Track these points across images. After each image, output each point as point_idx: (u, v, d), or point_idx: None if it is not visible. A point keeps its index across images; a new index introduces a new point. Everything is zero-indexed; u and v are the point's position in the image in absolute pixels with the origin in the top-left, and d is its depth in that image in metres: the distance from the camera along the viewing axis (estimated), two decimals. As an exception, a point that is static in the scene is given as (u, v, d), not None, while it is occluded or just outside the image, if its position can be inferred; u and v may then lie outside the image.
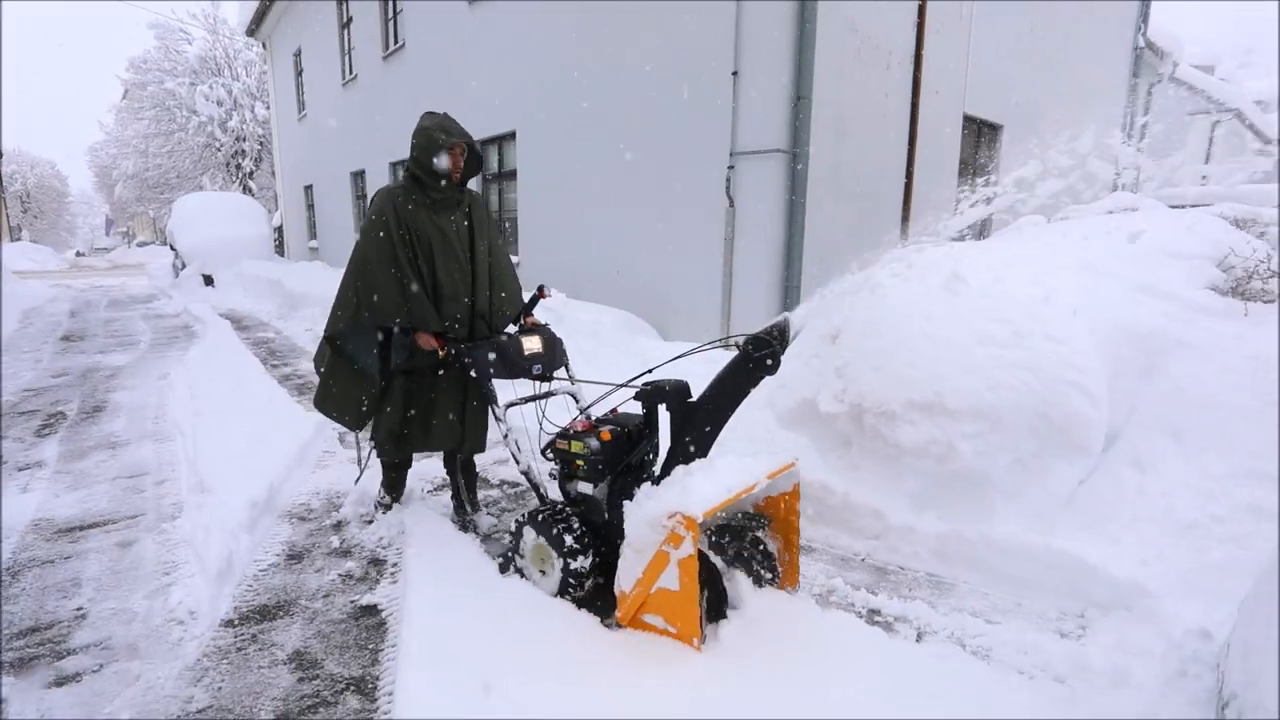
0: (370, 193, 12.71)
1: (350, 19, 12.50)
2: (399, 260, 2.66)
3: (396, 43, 10.76)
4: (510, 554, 2.54)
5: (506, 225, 8.47)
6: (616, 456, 2.36)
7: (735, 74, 5.26)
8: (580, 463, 2.36)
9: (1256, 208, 3.42)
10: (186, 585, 2.60)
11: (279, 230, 19.46)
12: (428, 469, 3.76)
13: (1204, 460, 2.61)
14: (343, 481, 3.68)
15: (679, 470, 2.17)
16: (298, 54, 15.54)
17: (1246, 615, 1.24)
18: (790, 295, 5.31)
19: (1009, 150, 8.28)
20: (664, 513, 1.97)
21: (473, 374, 2.64)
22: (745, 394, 2.24)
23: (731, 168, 5.36)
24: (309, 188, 16.32)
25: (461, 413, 2.88)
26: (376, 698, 2.01)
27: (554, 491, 2.63)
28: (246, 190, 26.27)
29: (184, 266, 14.78)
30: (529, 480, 2.63)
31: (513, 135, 8.15)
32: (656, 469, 2.38)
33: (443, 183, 2.71)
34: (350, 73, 12.77)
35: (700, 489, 2.01)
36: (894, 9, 5.87)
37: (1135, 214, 4.41)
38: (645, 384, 2.37)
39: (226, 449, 3.88)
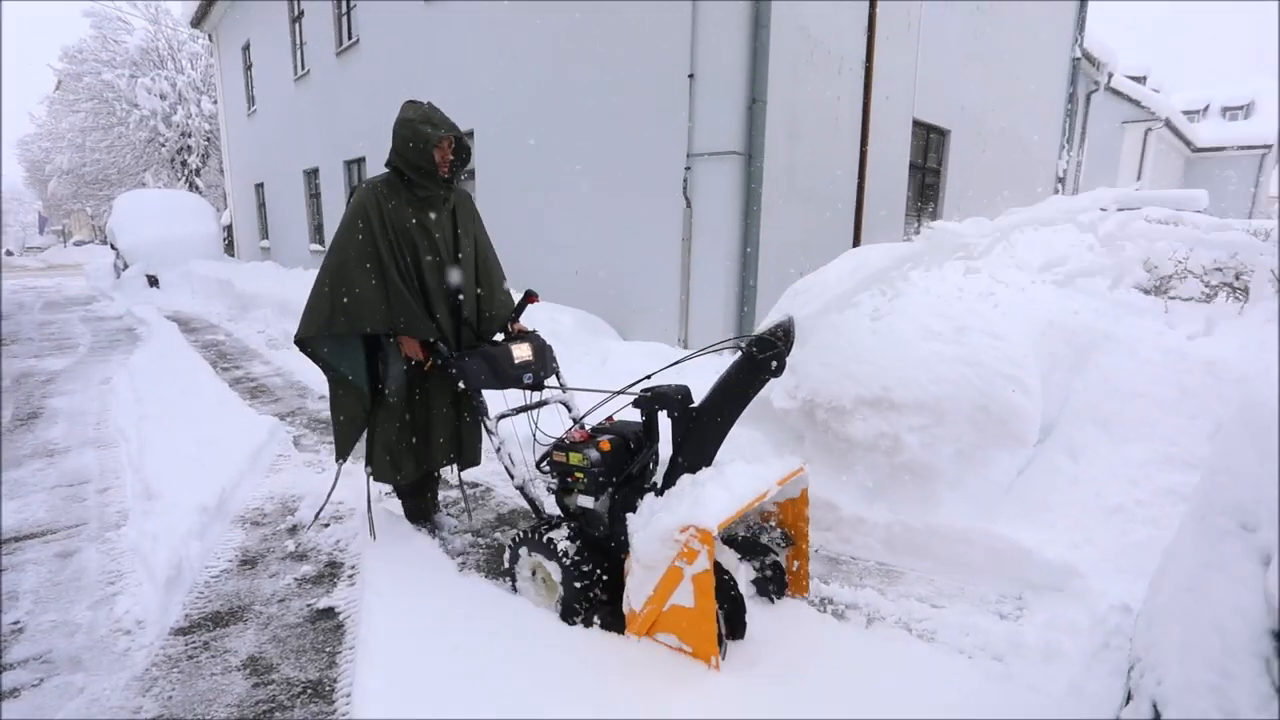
0: (324, 192, 12.44)
1: (301, 13, 12.19)
2: (382, 260, 2.48)
3: (350, 39, 10.55)
4: (509, 574, 2.42)
5: (465, 225, 8.37)
6: (617, 467, 2.25)
7: (691, 77, 5.34)
8: (579, 475, 2.23)
9: (1178, 211, 3.62)
10: (133, 594, 2.53)
11: (228, 229, 18.83)
12: (386, 471, 3.71)
13: (1128, 448, 2.79)
14: (298, 485, 3.63)
15: (685, 480, 2.09)
16: (246, 47, 15.08)
17: (1153, 587, 1.35)
18: (747, 294, 5.41)
19: (956, 154, 8.58)
20: (676, 526, 1.87)
21: (461, 385, 2.50)
22: (750, 397, 2.16)
23: (688, 169, 5.44)
24: (260, 186, 15.85)
25: (458, 425, 2.75)
26: (334, 700, 2.00)
27: (549, 505, 2.54)
28: (193, 188, 25.32)
29: (126, 267, 14.19)
30: (525, 495, 2.50)
31: (471, 135, 8.09)
32: (657, 479, 2.30)
33: (428, 178, 2.54)
34: (302, 68, 12.46)
35: (713, 499, 1.92)
36: (845, 16, 6.04)
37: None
38: (644, 390, 2.26)
39: (174, 454, 3.78)
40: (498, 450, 2.50)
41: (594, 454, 2.21)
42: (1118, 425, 2.91)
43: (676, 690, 1.87)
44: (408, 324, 2.48)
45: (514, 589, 2.41)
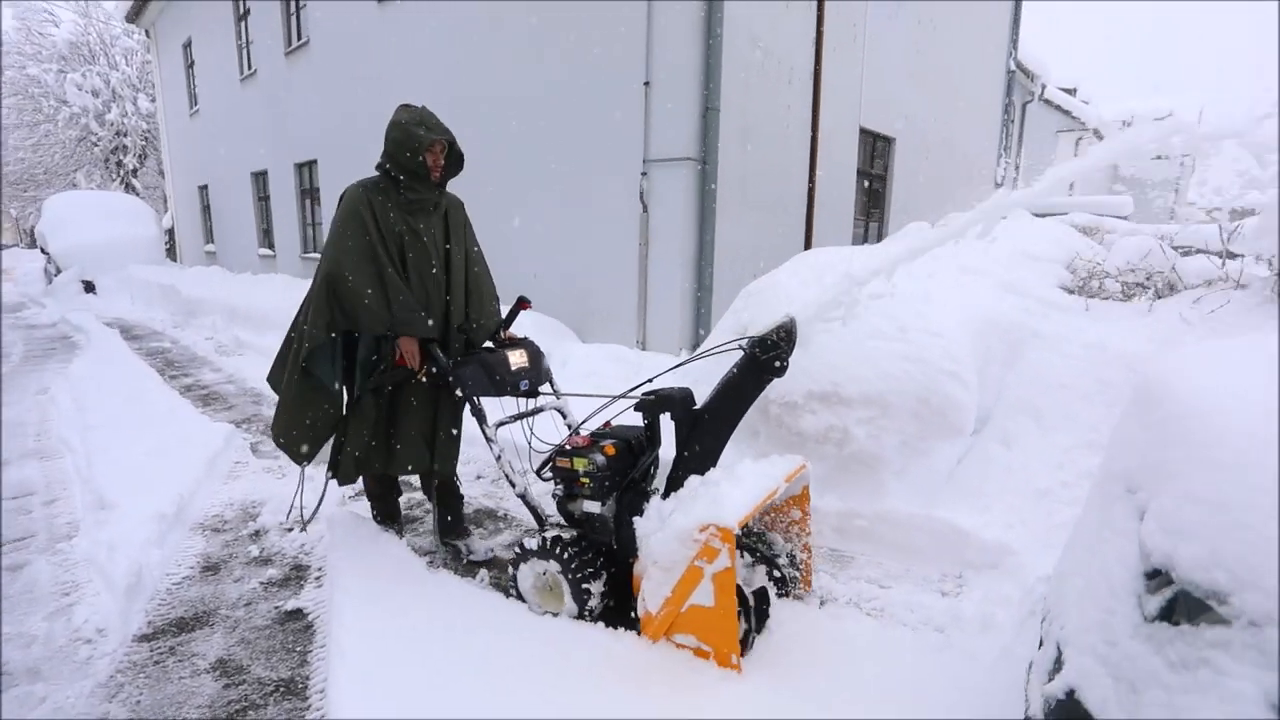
0: (274, 195, 12.13)
1: (248, 11, 11.88)
2: (379, 260, 2.45)
3: (300, 39, 10.34)
4: (511, 584, 2.39)
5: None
6: (622, 471, 2.24)
7: (647, 84, 5.47)
8: (585, 480, 2.20)
9: (1099, 217, 3.94)
10: (91, 603, 2.50)
11: (170, 233, 18.13)
12: (348, 475, 3.71)
13: (1055, 435, 3.02)
14: (257, 491, 3.60)
15: (694, 481, 2.10)
16: (188, 45, 14.58)
17: (1063, 552, 1.52)
18: (703, 296, 5.57)
19: (901, 161, 8.96)
20: (695, 526, 1.87)
21: (458, 392, 2.46)
22: (753, 399, 2.17)
23: (645, 175, 5.56)
24: (204, 188, 15.32)
25: (431, 432, 2.66)
26: (308, 697, 2.03)
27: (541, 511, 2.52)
28: (130, 189, 24.23)
29: (59, 272, 13.53)
30: (527, 504, 2.48)
31: (427, 138, 8.04)
32: (658, 483, 2.32)
33: (419, 182, 2.51)
34: (249, 68, 12.14)
35: (730, 498, 1.93)
36: (794, 27, 6.27)
37: (1003, 221, 4.93)
38: (647, 393, 2.26)
39: (126, 463, 3.69)
40: (498, 458, 2.46)
41: (600, 459, 2.18)
42: (1046, 415, 3.15)
43: (609, 663, 1.97)
44: (408, 323, 2.45)
45: (518, 596, 2.37)
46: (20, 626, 2.39)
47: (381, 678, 1.96)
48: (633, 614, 2.13)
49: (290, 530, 3.12)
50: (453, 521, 2.90)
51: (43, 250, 14.43)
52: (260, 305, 8.34)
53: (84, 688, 2.07)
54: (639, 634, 2.07)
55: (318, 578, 2.72)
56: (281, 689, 2.07)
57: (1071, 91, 26.20)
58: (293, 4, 10.49)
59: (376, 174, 2.59)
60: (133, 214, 14.88)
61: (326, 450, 2.81)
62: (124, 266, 13.10)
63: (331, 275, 2.46)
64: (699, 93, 5.34)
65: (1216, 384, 1.10)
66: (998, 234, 4.16)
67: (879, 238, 8.67)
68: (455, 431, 2.72)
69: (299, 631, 2.37)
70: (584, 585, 2.19)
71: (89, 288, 13.03)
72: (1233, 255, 3.35)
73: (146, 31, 16.79)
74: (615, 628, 2.15)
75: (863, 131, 7.86)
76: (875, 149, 8.53)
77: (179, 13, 14.43)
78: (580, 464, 2.21)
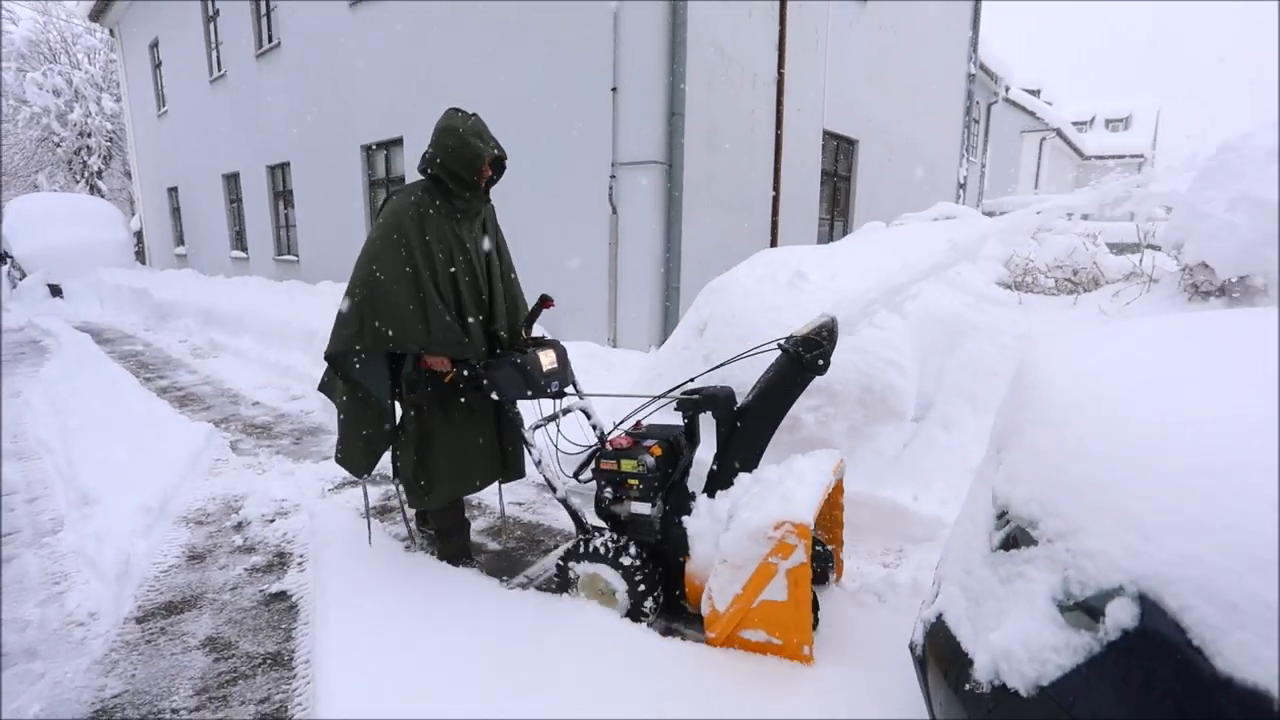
0: (246, 196, 12.09)
1: (217, 12, 11.83)
2: (419, 276, 2.33)
3: (271, 41, 10.35)
4: (561, 590, 2.36)
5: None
6: (667, 471, 2.24)
7: (615, 90, 5.66)
8: (634, 482, 2.18)
9: (1053, 219, 4.21)
10: (82, 590, 2.63)
11: (139, 236, 17.88)
12: (326, 470, 3.85)
13: (988, 418, 3.26)
14: (239, 486, 3.72)
15: (744, 479, 2.13)
16: (154, 45, 14.43)
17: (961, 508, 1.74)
18: (670, 295, 5.78)
19: (864, 162, 9.26)
20: (769, 523, 1.89)
21: (494, 396, 2.37)
22: (795, 397, 2.20)
23: (613, 177, 5.76)
24: (173, 190, 15.17)
25: (499, 439, 2.61)
26: (294, 667, 2.20)
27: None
28: (95, 191, 23.74)
29: (23, 276, 13.32)
30: (568, 508, 2.41)
31: (400, 142, 8.15)
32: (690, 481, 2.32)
33: (470, 190, 2.44)
34: (219, 69, 12.08)
35: (799, 494, 1.96)
36: (757, 33, 6.51)
37: (953, 221, 5.22)
38: (690, 392, 2.27)
39: (107, 462, 3.79)
40: (539, 464, 2.38)
41: (649, 460, 2.17)
42: (981, 400, 3.40)
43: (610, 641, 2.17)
44: (443, 345, 2.34)
45: (564, 590, 2.35)
46: (14, 613, 2.51)
47: (364, 647, 2.13)
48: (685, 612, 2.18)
49: (271, 521, 3.26)
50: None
51: (5, 254, 14.18)
52: (235, 308, 8.37)
53: (80, 664, 2.21)
54: (696, 633, 2.12)
55: (300, 563, 2.87)
56: (269, 661, 2.23)
57: (1035, 93, 27.02)
58: (263, 5, 10.49)
59: (421, 179, 2.49)
60: (101, 216, 14.70)
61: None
62: (92, 270, 12.95)
63: (370, 286, 2.33)
64: (664, 98, 5.55)
65: (1059, 361, 1.33)
66: (942, 231, 4.42)
67: (843, 235, 8.95)
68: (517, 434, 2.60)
69: (284, 611, 2.53)
70: (643, 595, 2.18)
71: (56, 291, 12.86)
72: (1157, 249, 3.64)
73: (111, 30, 16.56)
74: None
75: (826, 134, 8.14)
76: (839, 150, 8.83)
77: (145, 12, 14.27)
78: (629, 465, 2.18)
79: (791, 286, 3.35)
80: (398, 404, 2.54)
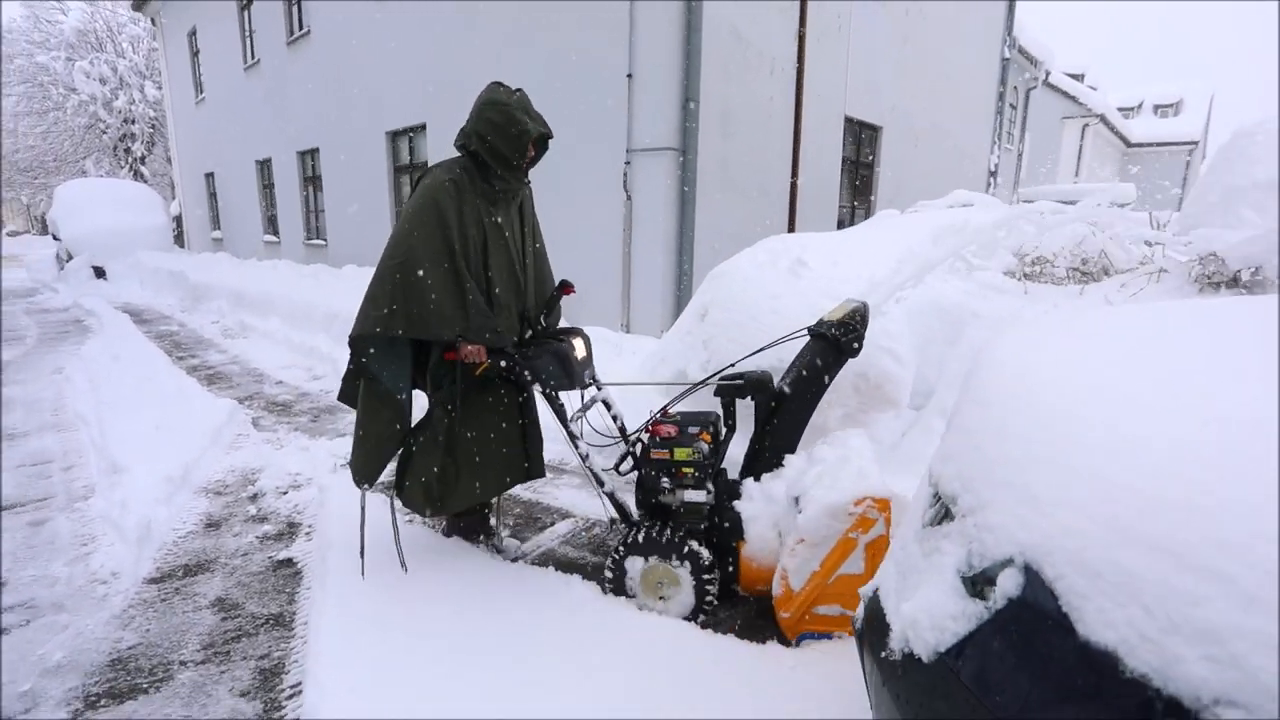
0: (277, 182, 12.41)
1: (250, 0, 12.10)
2: (455, 260, 2.17)
3: (301, 29, 10.57)
4: (616, 586, 2.28)
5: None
6: (716, 457, 2.25)
7: (630, 77, 5.68)
8: (689, 470, 2.17)
9: (1065, 204, 4.14)
10: (106, 552, 2.80)
11: (178, 220, 18.48)
12: (340, 446, 4.00)
13: (986, 408, 3.26)
14: (257, 460, 3.90)
15: (796, 460, 2.19)
16: (193, 34, 14.82)
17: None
18: (683, 281, 5.81)
19: (888, 149, 9.12)
20: (849, 500, 1.93)
21: (537, 388, 2.29)
22: (831, 380, 2.25)
23: (628, 164, 5.80)
24: (210, 175, 15.63)
25: (522, 436, 2.49)
26: (294, 628, 2.33)
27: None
28: (139, 177, 24.59)
29: (70, 258, 13.90)
30: (614, 502, 2.37)
31: (424, 128, 8.29)
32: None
33: (511, 171, 2.26)
34: (252, 57, 12.38)
35: (873, 471, 2.03)
36: (777, 19, 6.45)
37: (971, 209, 5.14)
38: (732, 376, 2.29)
39: (137, 435, 4.00)
40: (585, 458, 2.33)
41: (704, 446, 2.16)
42: (981, 390, 3.39)
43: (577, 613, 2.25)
44: (478, 332, 2.20)
45: (615, 591, 2.29)
46: (45, 570, 2.70)
47: (357, 611, 2.25)
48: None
49: (285, 493, 3.42)
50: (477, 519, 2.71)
51: (55, 237, 14.80)
52: (264, 290, 8.64)
53: (101, 618, 2.37)
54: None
55: (309, 533, 3.02)
56: (271, 621, 2.37)
57: (1079, 77, 26.09)
58: (294, -6, 10.71)
59: (459, 155, 2.30)
60: (142, 201, 15.23)
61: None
62: (133, 253, 13.46)
63: (405, 266, 2.13)
64: (679, 85, 5.55)
65: (1009, 346, 1.35)
66: (955, 220, 4.36)
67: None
68: (539, 428, 2.56)
69: (289, 577, 2.67)
70: (710, 583, 2.18)
71: (100, 273, 13.40)
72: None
73: (152, 19, 17.04)
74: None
75: (848, 120, 8.03)
76: (862, 137, 8.70)
77: (184, 1, 14.66)
78: (683, 453, 2.16)
79: (792, 273, 3.36)
80: (415, 402, 2.37)
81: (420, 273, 2.13)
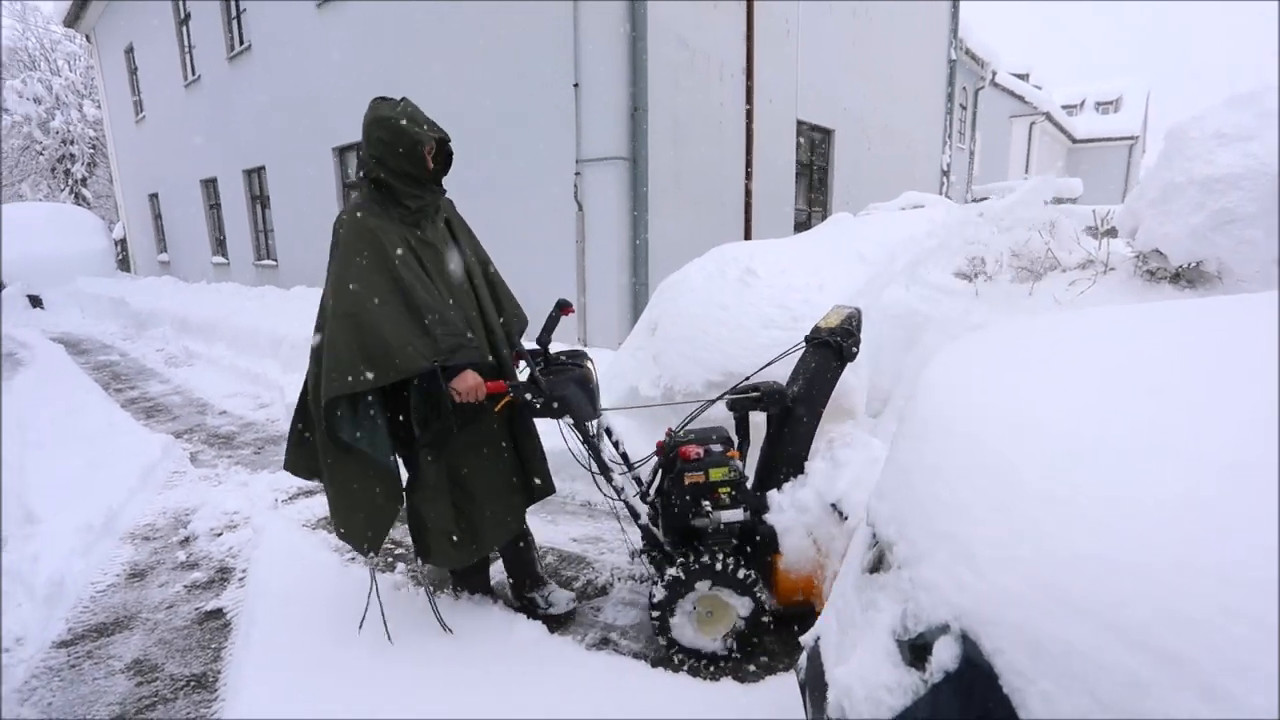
0: (224, 202, 12.00)
1: (188, 15, 11.70)
2: (401, 287, 1.98)
3: (242, 44, 10.23)
4: (660, 619, 2.10)
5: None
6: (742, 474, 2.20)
7: (577, 86, 5.58)
8: (727, 489, 2.08)
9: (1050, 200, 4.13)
10: (12, 614, 2.57)
11: (122, 244, 17.78)
12: (282, 480, 3.79)
13: (942, 414, 3.22)
14: (191, 499, 3.67)
15: (819, 467, 2.16)
16: (129, 50, 14.28)
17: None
18: (639, 292, 5.71)
19: (841, 151, 9.18)
20: None
21: (567, 418, 2.14)
22: (833, 386, 2.25)
23: (578, 174, 5.68)
24: (154, 196, 15.06)
25: (519, 460, 2.33)
26: (217, 689, 2.15)
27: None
28: (80, 199, 23.63)
29: (3, 287, 13.24)
30: (649, 535, 2.23)
31: (371, 141, 8.05)
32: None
33: (418, 185, 2.11)
34: (193, 74, 11.95)
35: None
36: (723, 25, 6.42)
37: (921, 210, 5.15)
38: (748, 389, 2.25)
39: (59, 477, 3.74)
40: (620, 491, 2.20)
41: (738, 464, 2.11)
42: (937, 395, 3.35)
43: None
44: (455, 349, 2.00)
45: (665, 631, 2.11)
46: (-58, 640, 2.47)
47: (285, 666, 2.08)
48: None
49: (219, 535, 3.21)
50: (525, 569, 2.48)
51: (-13, 265, 14.09)
52: (209, 315, 8.30)
53: (-2, 693, 2.16)
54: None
55: (241, 579, 2.82)
56: (192, 683, 2.18)
57: (1024, 76, 26.84)
58: (233, 7, 10.37)
59: (363, 189, 2.13)
60: (81, 225, 14.62)
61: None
62: (73, 279, 12.87)
63: (354, 312, 1.95)
64: (626, 92, 5.47)
65: (945, 368, 1.27)
66: (911, 220, 4.35)
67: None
68: (539, 444, 2.39)
69: (216, 630, 2.48)
70: (759, 598, 2.09)
71: (35, 302, 12.78)
72: (1112, 235, 3.58)
73: (87, 36, 16.39)
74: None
75: (800, 124, 8.05)
76: (815, 140, 8.74)
77: (119, 17, 14.12)
78: (718, 474, 2.07)
79: (741, 283, 3.28)
80: (402, 461, 2.18)
81: (371, 313, 1.95)
